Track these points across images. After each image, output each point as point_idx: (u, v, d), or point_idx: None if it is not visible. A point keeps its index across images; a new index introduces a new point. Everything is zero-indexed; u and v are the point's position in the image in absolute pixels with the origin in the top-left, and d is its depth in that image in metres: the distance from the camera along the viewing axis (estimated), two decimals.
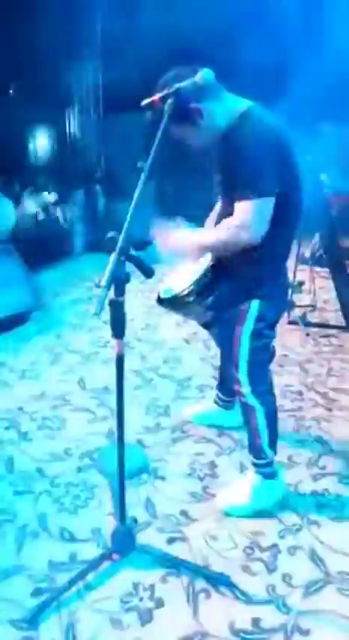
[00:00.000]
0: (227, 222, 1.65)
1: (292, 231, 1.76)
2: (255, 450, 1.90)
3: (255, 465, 1.92)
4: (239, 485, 1.95)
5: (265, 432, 1.87)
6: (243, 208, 1.60)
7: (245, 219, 1.60)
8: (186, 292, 1.74)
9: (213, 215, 2.02)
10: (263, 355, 1.85)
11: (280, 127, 1.66)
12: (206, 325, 2.00)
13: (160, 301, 1.85)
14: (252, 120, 1.63)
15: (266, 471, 1.91)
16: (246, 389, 1.83)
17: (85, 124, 6.16)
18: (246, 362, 1.80)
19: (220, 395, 2.37)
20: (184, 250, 1.78)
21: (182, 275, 1.87)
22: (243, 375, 1.81)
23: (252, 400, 1.84)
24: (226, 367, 2.06)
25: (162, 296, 1.83)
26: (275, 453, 1.93)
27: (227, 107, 1.66)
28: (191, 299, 1.74)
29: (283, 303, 1.88)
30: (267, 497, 1.91)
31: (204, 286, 1.74)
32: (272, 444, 1.90)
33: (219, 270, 1.75)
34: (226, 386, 2.31)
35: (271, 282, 1.80)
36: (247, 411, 1.87)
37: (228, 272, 1.74)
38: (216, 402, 2.40)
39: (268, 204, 1.59)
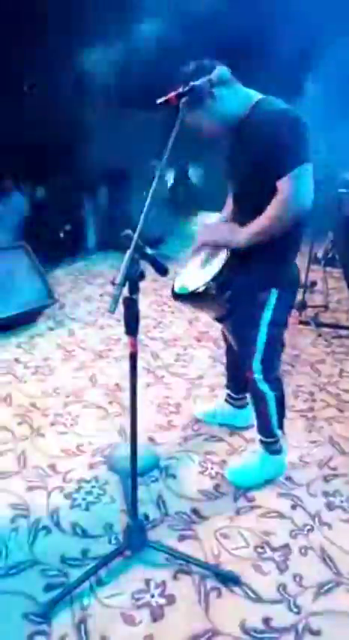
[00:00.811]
0: (277, 200, 1.65)
1: (307, 216, 1.77)
2: (264, 431, 2.01)
3: (262, 442, 2.03)
4: (247, 458, 2.08)
5: (274, 415, 1.97)
6: (288, 181, 1.61)
7: (295, 190, 1.62)
8: (206, 286, 1.75)
9: (228, 211, 2.02)
10: (278, 343, 1.91)
11: (293, 107, 1.68)
12: (220, 319, 2.01)
13: (178, 296, 1.85)
14: (269, 103, 1.68)
15: (273, 447, 2.03)
16: (258, 376, 1.90)
17: (101, 119, 6.18)
18: (263, 350, 1.86)
19: (231, 394, 2.38)
20: (232, 243, 1.76)
21: (196, 269, 1.88)
22: (257, 362, 1.88)
23: (263, 386, 1.92)
24: (236, 362, 2.10)
25: (179, 292, 1.84)
26: (283, 432, 2.03)
27: (240, 96, 1.71)
28: (213, 292, 1.75)
29: (296, 292, 1.94)
30: (273, 470, 2.05)
31: (225, 279, 1.75)
32: (280, 426, 2.01)
33: (238, 262, 1.76)
34: (236, 383, 2.34)
35: (288, 270, 1.86)
36: (258, 396, 1.96)
37: (247, 263, 1.76)
38: (227, 401, 2.41)
39: (309, 168, 1.63)
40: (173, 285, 1.88)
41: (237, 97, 1.69)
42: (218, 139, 1.78)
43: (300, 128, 1.62)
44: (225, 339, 2.25)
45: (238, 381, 2.31)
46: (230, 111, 1.68)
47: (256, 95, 1.71)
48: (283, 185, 1.62)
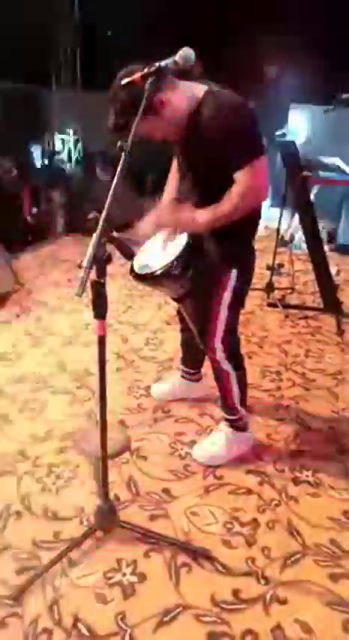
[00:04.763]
0: (234, 191, 1.66)
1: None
2: (228, 408, 2.08)
3: (227, 420, 2.11)
4: (213, 436, 2.14)
5: (237, 392, 2.04)
6: (245, 174, 1.63)
7: (252, 182, 1.64)
8: (170, 266, 1.73)
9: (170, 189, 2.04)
10: (236, 323, 1.97)
11: (241, 98, 1.67)
12: (179, 299, 2.03)
13: (138, 276, 1.83)
14: (214, 98, 1.65)
15: (238, 424, 2.10)
16: (219, 355, 1.95)
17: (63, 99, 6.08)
18: (222, 330, 1.91)
19: (186, 369, 2.47)
20: (190, 227, 1.76)
21: (156, 249, 1.86)
22: (218, 342, 1.93)
23: (225, 365, 1.98)
24: (191, 340, 2.17)
25: (141, 272, 1.82)
26: (246, 409, 2.11)
27: (185, 93, 1.68)
28: (175, 272, 1.74)
29: (252, 273, 1.96)
30: (239, 447, 2.11)
31: (188, 259, 1.75)
32: (243, 402, 2.08)
33: (200, 242, 1.77)
34: (191, 360, 2.44)
35: (247, 251, 1.90)
36: (221, 375, 2.01)
37: (209, 243, 1.78)
38: (183, 377, 2.50)
39: (264, 160, 1.65)
40: (132, 265, 1.87)
41: (182, 95, 1.66)
42: (171, 138, 1.78)
43: (252, 120, 1.64)
44: (180, 319, 2.31)
45: (192, 358, 2.42)
46: (180, 111, 1.66)
47: (202, 87, 1.68)
48: (240, 177, 1.64)
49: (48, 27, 5.78)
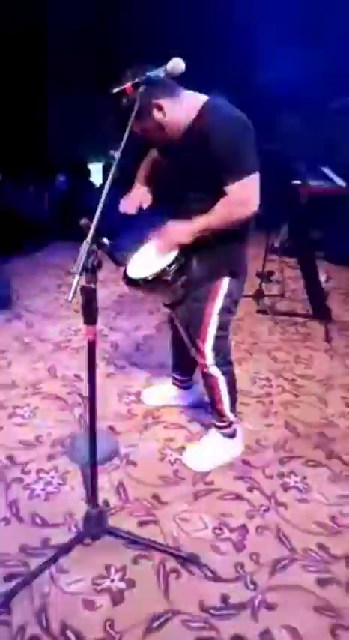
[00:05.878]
0: (223, 204, 1.69)
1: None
2: (217, 414, 2.09)
3: (217, 426, 2.11)
4: (203, 443, 2.16)
5: (227, 398, 2.04)
6: (238, 188, 1.65)
7: (243, 197, 1.68)
8: (162, 272, 1.75)
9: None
10: (227, 329, 1.98)
11: (240, 112, 1.70)
12: (171, 305, 2.04)
13: (131, 282, 1.85)
14: (216, 108, 1.69)
15: (227, 431, 2.11)
16: (210, 361, 1.96)
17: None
18: (213, 336, 1.93)
19: (177, 376, 2.47)
20: (184, 239, 1.78)
21: (149, 255, 1.88)
22: (208, 348, 1.94)
23: (214, 371, 1.99)
24: (182, 347, 2.17)
25: (133, 277, 1.83)
26: (235, 415, 2.11)
27: (185, 102, 1.71)
28: (168, 278, 1.76)
29: (244, 280, 1.99)
30: (228, 453, 2.13)
31: (180, 265, 1.77)
32: (233, 408, 2.09)
33: (193, 249, 1.79)
34: (182, 366, 2.43)
35: (240, 259, 1.92)
36: (210, 381, 2.02)
37: (202, 251, 1.79)
38: (174, 384, 2.50)
39: (257, 176, 1.68)
40: (124, 271, 1.88)
41: (182, 103, 1.69)
42: (165, 145, 1.81)
43: (249, 135, 1.66)
44: (171, 325, 2.32)
45: (183, 364, 2.41)
46: (178, 119, 1.69)
47: (201, 98, 1.71)
48: (231, 191, 1.66)
49: None
